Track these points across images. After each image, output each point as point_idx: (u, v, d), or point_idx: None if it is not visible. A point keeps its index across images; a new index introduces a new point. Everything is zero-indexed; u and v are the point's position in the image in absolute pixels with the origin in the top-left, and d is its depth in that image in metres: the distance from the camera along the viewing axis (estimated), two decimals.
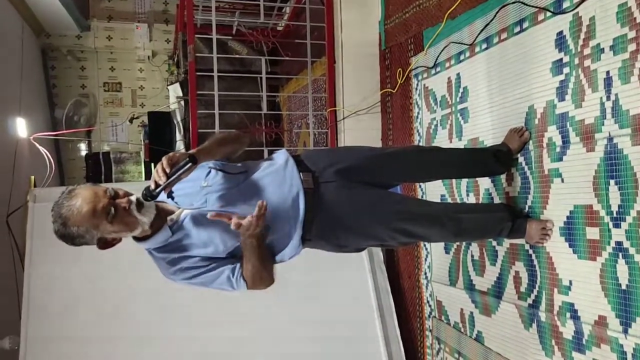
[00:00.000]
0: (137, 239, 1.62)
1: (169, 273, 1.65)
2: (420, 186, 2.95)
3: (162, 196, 1.53)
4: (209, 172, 1.66)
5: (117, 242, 1.58)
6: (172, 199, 1.63)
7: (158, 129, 5.03)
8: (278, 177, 1.70)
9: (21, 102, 4.65)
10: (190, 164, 1.45)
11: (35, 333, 2.74)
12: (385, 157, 1.95)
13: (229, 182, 1.65)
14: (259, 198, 1.64)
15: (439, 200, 2.74)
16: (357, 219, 1.77)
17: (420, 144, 2.97)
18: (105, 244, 1.56)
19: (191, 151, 1.59)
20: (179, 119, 4.80)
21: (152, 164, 4.95)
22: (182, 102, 4.59)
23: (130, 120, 5.57)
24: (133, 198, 1.52)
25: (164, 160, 1.45)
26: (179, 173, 1.45)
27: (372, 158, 1.90)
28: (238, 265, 1.64)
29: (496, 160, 2.12)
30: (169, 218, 1.62)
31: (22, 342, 2.71)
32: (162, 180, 1.44)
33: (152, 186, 1.47)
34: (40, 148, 3.96)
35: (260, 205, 1.50)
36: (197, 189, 1.63)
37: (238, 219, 1.49)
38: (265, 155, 3.96)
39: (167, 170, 1.44)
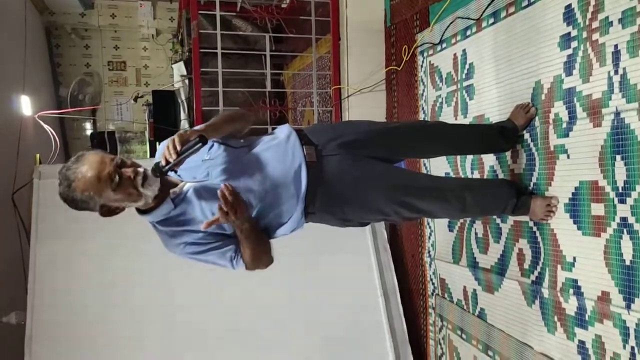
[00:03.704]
0: (140, 211, 1.63)
1: (171, 246, 1.67)
2: (424, 163, 2.93)
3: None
4: (212, 145, 1.66)
5: (120, 211, 1.59)
6: (175, 172, 1.62)
7: (162, 108, 5.01)
8: (280, 150, 1.70)
9: (25, 80, 4.63)
10: (200, 144, 1.47)
11: (41, 308, 2.77)
12: (389, 131, 1.93)
13: (231, 156, 1.66)
14: (261, 171, 1.65)
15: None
16: (361, 192, 1.76)
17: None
18: (108, 211, 1.57)
19: (200, 127, 1.60)
20: (183, 97, 4.78)
21: (157, 143, 4.94)
22: (187, 81, 4.57)
23: (135, 99, 5.56)
24: (140, 169, 1.53)
25: (176, 137, 1.47)
26: (189, 152, 1.47)
27: (376, 132, 1.88)
28: (240, 252, 1.66)
29: (502, 136, 2.10)
30: (171, 191, 1.63)
31: (28, 317, 2.75)
32: (173, 158, 1.45)
33: (163, 162, 1.48)
34: (45, 126, 3.96)
35: (223, 193, 1.50)
36: (200, 162, 1.63)
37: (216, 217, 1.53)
38: None
39: (178, 148, 1.45)
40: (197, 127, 1.62)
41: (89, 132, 6.25)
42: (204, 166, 1.63)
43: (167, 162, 1.47)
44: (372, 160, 1.82)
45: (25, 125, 4.38)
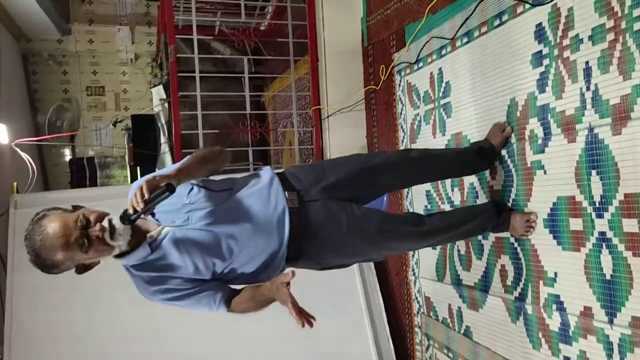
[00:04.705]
0: (115, 255, 1.58)
1: (146, 292, 1.63)
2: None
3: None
4: (191, 188, 1.62)
5: (95, 265, 1.56)
6: (153, 215, 1.58)
7: (142, 132, 4.97)
8: (263, 196, 1.67)
9: (1, 107, 4.58)
10: (167, 193, 1.42)
11: (19, 341, 2.70)
12: (370, 170, 1.89)
13: (212, 200, 1.62)
14: (243, 217, 1.62)
15: (424, 197, 2.74)
16: (342, 239, 1.74)
17: (405, 140, 2.96)
18: (83, 268, 1.54)
19: (172, 170, 1.54)
20: (163, 121, 4.76)
21: (138, 168, 4.90)
22: (166, 105, 4.55)
23: (114, 124, 5.51)
24: (105, 224, 1.48)
25: (144, 185, 1.41)
26: (156, 201, 1.42)
27: (358, 172, 1.85)
28: (220, 292, 1.64)
29: (479, 157, 2.12)
30: (148, 235, 1.59)
31: (5, 350, 2.68)
32: (140, 207, 1.40)
33: (130, 211, 1.43)
34: (22, 154, 3.90)
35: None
36: (179, 206, 1.59)
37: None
38: (250, 155, 3.95)
39: (146, 196, 1.40)
40: (169, 170, 1.56)
41: (68, 158, 6.18)
42: (184, 210, 1.58)
43: (135, 210, 1.42)
44: (354, 203, 1.80)
45: (1, 153, 4.32)
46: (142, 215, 1.45)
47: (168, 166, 1.87)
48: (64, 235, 1.43)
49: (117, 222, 1.47)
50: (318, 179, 1.77)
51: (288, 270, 1.50)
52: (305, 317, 1.45)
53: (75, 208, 1.53)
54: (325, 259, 1.77)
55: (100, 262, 1.56)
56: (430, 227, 1.94)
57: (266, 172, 1.76)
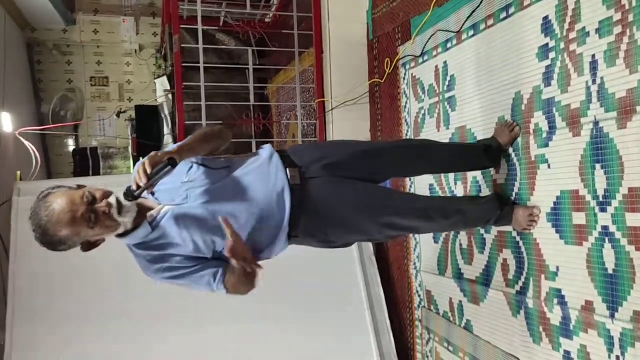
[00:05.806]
0: (117, 234, 1.59)
1: (149, 271, 1.63)
2: (409, 177, 2.93)
3: (143, 193, 1.50)
4: (191, 166, 1.63)
5: (100, 242, 1.57)
6: (153, 194, 1.59)
7: (145, 122, 4.98)
8: (262, 172, 1.66)
9: (5, 96, 4.58)
10: (169, 167, 1.43)
11: (21, 328, 2.71)
12: (374, 152, 1.90)
13: (211, 178, 1.62)
14: (242, 195, 1.61)
15: (427, 190, 2.74)
16: (345, 214, 1.73)
17: (409, 134, 2.96)
18: (89, 245, 1.55)
19: (174, 147, 1.56)
20: (166, 112, 4.76)
21: (141, 159, 4.90)
22: (170, 95, 4.55)
23: (117, 115, 5.51)
24: (112, 200, 1.49)
25: (146, 160, 1.43)
26: (158, 175, 1.43)
27: (360, 153, 1.85)
28: (220, 271, 1.62)
29: (486, 155, 2.11)
30: (148, 214, 1.59)
31: (7, 338, 2.69)
32: (143, 182, 1.42)
33: (133, 186, 1.44)
34: (26, 143, 3.90)
35: (226, 224, 1.44)
36: (178, 184, 1.59)
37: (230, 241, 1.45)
38: (254, 147, 3.94)
39: (148, 171, 1.41)
40: (170, 148, 1.58)
41: (71, 148, 6.18)
42: (183, 188, 1.59)
43: (138, 186, 1.43)
44: (356, 181, 1.80)
45: (5, 142, 4.32)
46: (145, 192, 1.46)
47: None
48: (71, 211, 1.43)
49: (122, 199, 1.48)
50: (320, 157, 1.76)
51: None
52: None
53: (79, 187, 1.54)
54: (328, 236, 1.76)
55: (105, 239, 1.56)
56: (433, 205, 1.95)
57: (265, 150, 1.75)
